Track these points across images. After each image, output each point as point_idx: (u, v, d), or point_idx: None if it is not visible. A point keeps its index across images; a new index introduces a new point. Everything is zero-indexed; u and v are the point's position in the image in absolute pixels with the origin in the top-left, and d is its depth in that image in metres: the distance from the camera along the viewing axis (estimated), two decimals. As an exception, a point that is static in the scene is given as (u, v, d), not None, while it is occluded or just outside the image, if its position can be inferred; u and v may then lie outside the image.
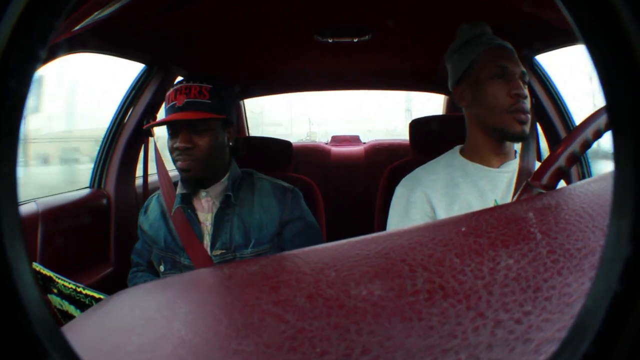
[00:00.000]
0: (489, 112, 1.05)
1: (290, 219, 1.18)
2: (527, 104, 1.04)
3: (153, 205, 1.26)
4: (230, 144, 1.22)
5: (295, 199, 1.21)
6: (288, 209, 1.19)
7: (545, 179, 0.60)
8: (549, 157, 0.62)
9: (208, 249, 1.15)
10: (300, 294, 0.30)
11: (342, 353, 0.24)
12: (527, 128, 1.03)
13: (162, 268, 1.19)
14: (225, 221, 1.16)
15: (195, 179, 1.14)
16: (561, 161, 0.60)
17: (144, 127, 1.20)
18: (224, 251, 1.15)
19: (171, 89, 1.17)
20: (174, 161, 1.15)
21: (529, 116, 1.04)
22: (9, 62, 0.17)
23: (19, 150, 0.18)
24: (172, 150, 1.15)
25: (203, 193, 1.19)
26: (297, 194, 1.23)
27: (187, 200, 1.18)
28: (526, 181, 0.61)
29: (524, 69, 1.06)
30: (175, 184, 1.26)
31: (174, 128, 1.14)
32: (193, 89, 1.14)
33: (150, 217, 1.24)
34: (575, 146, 0.60)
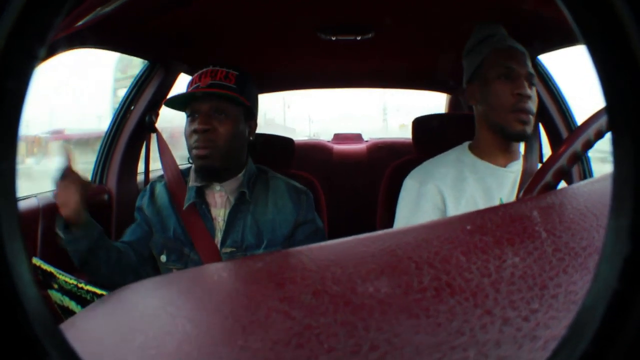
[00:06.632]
0: (493, 110, 1.07)
1: (304, 220, 1.17)
2: (531, 104, 1.05)
3: (161, 191, 1.20)
4: (251, 138, 1.19)
5: (309, 201, 1.19)
6: (303, 211, 1.17)
7: (548, 177, 0.60)
8: (551, 155, 0.62)
9: (218, 246, 1.12)
10: (306, 291, 0.30)
11: (350, 350, 0.24)
12: (528, 128, 1.05)
13: (163, 258, 1.14)
14: (238, 219, 1.13)
15: (211, 168, 1.10)
16: (563, 160, 0.60)
17: (164, 104, 1.14)
18: (234, 249, 1.12)
19: (196, 74, 1.14)
20: (190, 149, 1.10)
21: (531, 117, 1.05)
22: (7, 62, 0.17)
23: (17, 148, 0.18)
24: (189, 135, 1.10)
25: (217, 187, 1.15)
26: (310, 196, 1.21)
27: (200, 195, 1.15)
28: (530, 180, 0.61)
29: (531, 71, 1.08)
30: (182, 174, 1.22)
31: (193, 109, 1.10)
32: (219, 72, 1.11)
33: (158, 203, 1.18)
34: (577, 145, 0.61)
